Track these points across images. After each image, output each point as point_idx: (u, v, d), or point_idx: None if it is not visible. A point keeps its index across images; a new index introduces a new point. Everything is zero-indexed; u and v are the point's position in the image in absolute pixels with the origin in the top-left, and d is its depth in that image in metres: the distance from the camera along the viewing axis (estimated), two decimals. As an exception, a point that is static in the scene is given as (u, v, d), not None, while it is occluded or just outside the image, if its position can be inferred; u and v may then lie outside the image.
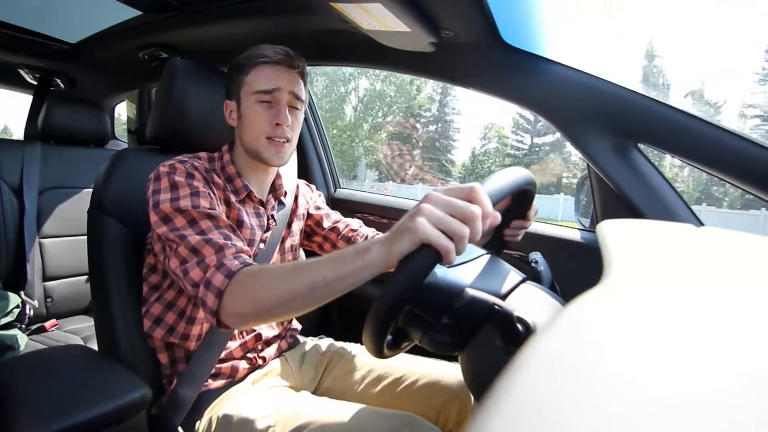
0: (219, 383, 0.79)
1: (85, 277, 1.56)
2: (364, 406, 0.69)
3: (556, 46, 0.86)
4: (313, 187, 1.06)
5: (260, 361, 0.85)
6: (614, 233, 0.42)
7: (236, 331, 0.82)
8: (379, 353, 0.53)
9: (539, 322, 0.47)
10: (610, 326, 0.21)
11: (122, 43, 1.31)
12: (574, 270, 0.74)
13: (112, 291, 0.80)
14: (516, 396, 0.16)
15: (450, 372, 0.82)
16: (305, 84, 0.83)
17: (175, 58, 0.97)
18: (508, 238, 0.71)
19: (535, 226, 0.98)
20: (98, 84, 1.70)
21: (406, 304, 0.53)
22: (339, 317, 1.34)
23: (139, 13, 1.10)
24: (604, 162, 0.81)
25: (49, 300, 1.48)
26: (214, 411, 0.75)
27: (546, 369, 0.18)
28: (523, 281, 0.58)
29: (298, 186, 0.98)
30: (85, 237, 0.86)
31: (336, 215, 1.01)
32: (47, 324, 1.42)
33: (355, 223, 0.98)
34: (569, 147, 24.82)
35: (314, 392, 0.86)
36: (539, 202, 0.68)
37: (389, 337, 0.55)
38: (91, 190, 0.88)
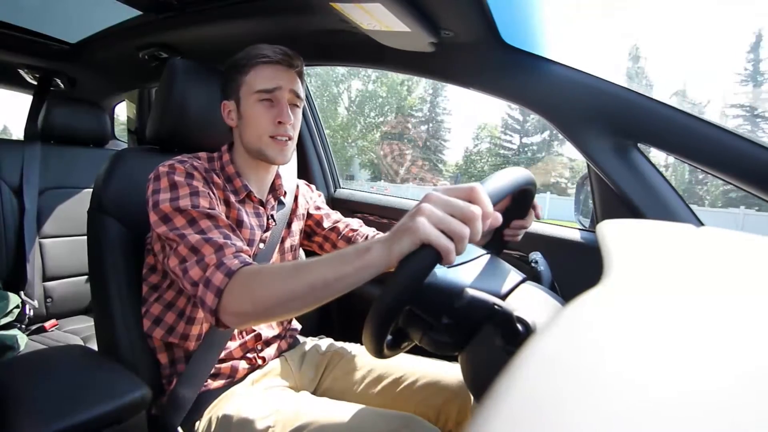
0: (219, 383, 0.79)
1: (85, 277, 1.56)
2: (364, 407, 0.69)
3: (554, 46, 0.86)
4: (313, 187, 1.06)
5: (260, 361, 0.85)
6: (614, 233, 0.42)
7: (236, 331, 0.82)
8: (379, 353, 0.53)
9: (539, 322, 0.47)
10: (610, 326, 0.21)
11: (122, 43, 1.31)
12: (574, 270, 0.74)
13: (112, 291, 0.80)
14: (516, 396, 0.16)
15: (450, 372, 0.82)
16: (302, 82, 0.83)
17: (175, 58, 0.97)
18: (508, 238, 0.71)
19: (535, 226, 0.98)
20: (98, 84, 1.70)
21: (406, 304, 0.53)
22: (339, 317, 1.34)
23: (139, 13, 1.10)
24: (604, 162, 0.81)
25: (49, 300, 1.48)
26: (214, 411, 0.75)
27: (546, 369, 0.18)
28: (523, 281, 0.58)
29: (298, 186, 0.98)
30: (85, 237, 0.86)
31: (336, 215, 1.01)
32: (47, 324, 1.42)
33: (355, 223, 0.98)
34: (555, 147, 24.87)
35: (314, 392, 0.86)
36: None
37: (389, 337, 0.55)
38: (91, 190, 0.88)
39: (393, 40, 0.90)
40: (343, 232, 0.95)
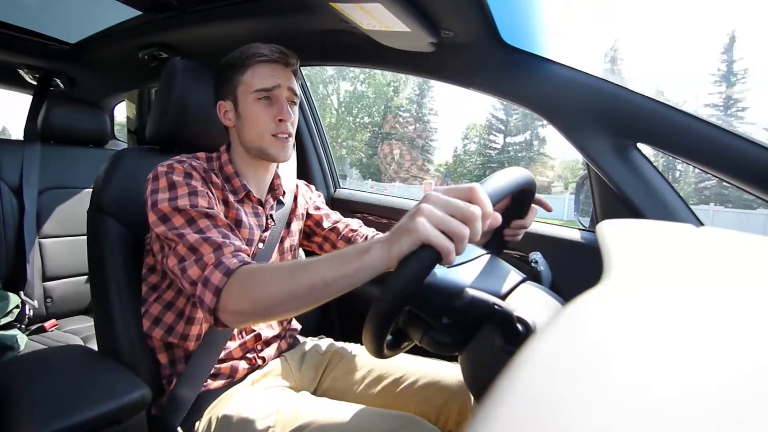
0: (218, 383, 0.79)
1: (85, 277, 1.56)
2: (364, 407, 0.69)
3: (553, 45, 0.86)
4: (312, 187, 1.06)
5: (260, 362, 0.84)
6: (614, 233, 0.42)
7: (235, 331, 0.82)
8: (379, 353, 0.53)
9: (539, 322, 0.47)
10: (610, 326, 0.21)
11: (122, 43, 1.31)
12: (574, 270, 0.74)
13: (112, 291, 0.80)
14: (516, 396, 0.16)
15: (450, 372, 0.82)
16: (297, 80, 0.83)
17: (174, 58, 0.97)
18: (509, 238, 0.71)
19: (535, 226, 0.98)
20: (98, 84, 1.70)
21: (406, 305, 0.53)
22: (339, 317, 1.34)
23: (139, 13, 1.10)
24: (604, 162, 0.81)
25: (48, 300, 1.48)
26: (214, 411, 0.74)
27: (546, 369, 0.18)
28: (523, 281, 0.58)
29: (297, 186, 0.98)
30: (85, 237, 0.86)
31: (336, 215, 1.01)
32: (47, 324, 1.42)
33: (354, 223, 0.98)
34: (537, 145, 25.20)
35: (314, 392, 0.86)
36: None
37: (389, 337, 0.55)
38: (91, 190, 0.88)
39: (393, 40, 0.90)
40: (343, 233, 0.95)
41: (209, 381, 0.78)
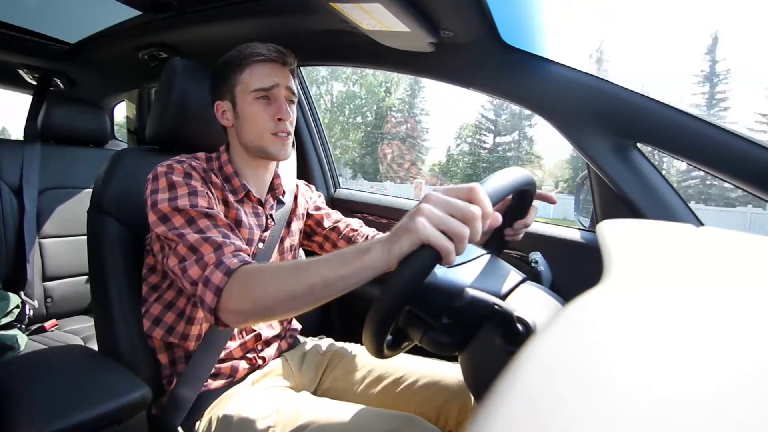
0: (219, 383, 0.79)
1: (85, 277, 1.56)
2: (364, 407, 0.69)
3: (552, 45, 0.86)
4: (312, 187, 1.06)
5: (260, 361, 0.84)
6: (614, 233, 0.42)
7: (236, 331, 0.82)
8: (379, 353, 0.53)
9: (539, 322, 0.47)
10: (611, 326, 0.21)
11: (122, 43, 1.31)
12: (574, 270, 0.74)
13: (112, 291, 0.80)
14: (516, 396, 0.16)
15: (450, 372, 0.82)
16: (295, 79, 0.83)
17: (174, 58, 0.97)
18: (509, 238, 0.71)
19: (535, 226, 0.98)
20: (98, 84, 1.70)
21: (405, 305, 0.53)
22: (339, 317, 1.34)
23: (139, 13, 1.10)
24: (604, 162, 0.81)
25: (49, 300, 1.48)
26: (214, 411, 0.75)
27: (546, 369, 0.18)
28: (523, 281, 0.58)
29: (297, 186, 0.98)
30: (85, 237, 0.86)
31: (336, 215, 1.01)
32: (47, 324, 1.42)
33: (355, 222, 0.98)
34: (526, 145, 25.72)
35: (314, 392, 0.86)
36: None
37: (389, 337, 0.55)
38: (91, 190, 0.88)
39: (392, 40, 0.90)
40: (344, 232, 0.95)
41: (209, 381, 0.78)
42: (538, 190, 0.74)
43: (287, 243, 0.92)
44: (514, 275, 0.59)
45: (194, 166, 0.75)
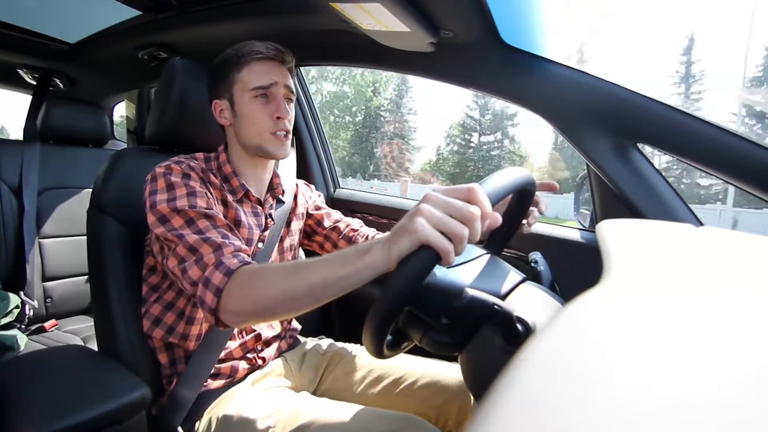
0: (219, 383, 0.79)
1: (85, 277, 1.56)
2: (364, 407, 0.69)
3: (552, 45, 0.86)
4: (312, 187, 1.06)
5: (260, 362, 0.84)
6: (614, 233, 0.42)
7: (236, 331, 0.82)
8: (379, 353, 0.53)
9: (539, 322, 0.47)
10: (610, 326, 0.21)
11: (122, 43, 1.31)
12: (574, 270, 0.74)
13: (112, 291, 0.80)
14: (516, 396, 0.16)
15: (450, 372, 0.82)
16: (293, 78, 0.83)
17: (174, 58, 0.97)
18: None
19: (535, 226, 0.98)
20: (98, 84, 1.70)
21: (405, 305, 0.53)
22: (339, 317, 1.34)
23: (139, 13, 1.10)
24: (604, 162, 0.81)
25: (48, 300, 1.48)
26: (214, 411, 0.74)
27: (546, 369, 0.18)
28: (523, 281, 0.58)
29: (297, 185, 0.98)
30: (85, 237, 0.86)
31: (337, 214, 1.01)
32: (47, 324, 1.42)
33: (355, 222, 0.98)
34: (506, 143, 26.25)
35: (314, 393, 0.86)
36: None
37: (389, 337, 0.55)
38: (91, 190, 0.88)
39: (392, 40, 0.90)
40: (344, 232, 0.95)
41: (209, 381, 0.78)
42: (537, 181, 0.74)
43: (287, 242, 0.92)
44: (514, 275, 0.59)
45: (192, 166, 0.75)
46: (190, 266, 0.62)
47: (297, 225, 0.96)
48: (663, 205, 0.78)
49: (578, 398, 0.15)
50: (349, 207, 1.38)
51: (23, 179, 1.43)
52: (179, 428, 0.74)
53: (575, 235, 0.96)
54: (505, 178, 0.53)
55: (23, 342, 1.23)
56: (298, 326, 1.00)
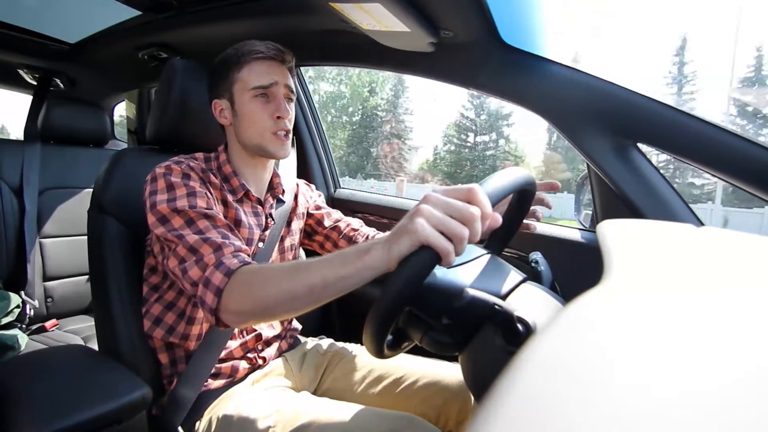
0: (219, 383, 0.79)
1: (86, 277, 1.56)
2: (365, 407, 0.69)
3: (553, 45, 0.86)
4: (312, 186, 1.06)
5: (260, 361, 0.85)
6: (614, 233, 0.42)
7: (236, 331, 0.82)
8: (380, 353, 0.53)
9: (539, 322, 0.47)
10: (611, 326, 0.21)
11: (122, 43, 1.31)
12: (574, 270, 0.74)
13: (113, 291, 0.80)
14: (516, 396, 0.16)
15: (450, 372, 0.82)
16: (293, 78, 0.83)
17: (174, 58, 0.97)
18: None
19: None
20: (98, 84, 1.70)
21: (405, 305, 0.53)
22: (339, 317, 1.34)
23: (139, 13, 1.10)
24: (604, 162, 0.81)
25: (49, 300, 1.48)
26: (215, 411, 0.75)
27: (546, 369, 0.18)
28: (523, 281, 0.58)
29: (297, 185, 0.98)
30: (86, 237, 0.86)
31: (337, 214, 1.01)
32: (47, 324, 1.43)
33: (356, 222, 0.98)
34: (501, 143, 26.61)
35: (314, 392, 0.86)
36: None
37: (389, 337, 0.55)
38: (91, 190, 0.88)
39: (393, 40, 0.90)
40: (345, 232, 0.95)
41: (210, 381, 0.78)
42: (538, 181, 0.74)
43: (287, 242, 0.92)
44: (514, 275, 0.59)
45: (192, 166, 0.75)
46: (191, 266, 0.62)
47: (297, 225, 0.96)
48: (663, 205, 0.78)
49: (579, 398, 0.15)
50: (349, 207, 1.38)
51: (24, 179, 1.43)
52: (179, 428, 0.75)
53: (576, 235, 0.96)
54: (505, 178, 0.53)
55: (24, 342, 1.24)
56: (299, 326, 1.00)
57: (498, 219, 0.47)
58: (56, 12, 1.22)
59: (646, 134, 0.78)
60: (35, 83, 1.64)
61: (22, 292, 1.37)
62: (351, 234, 0.95)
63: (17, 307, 1.32)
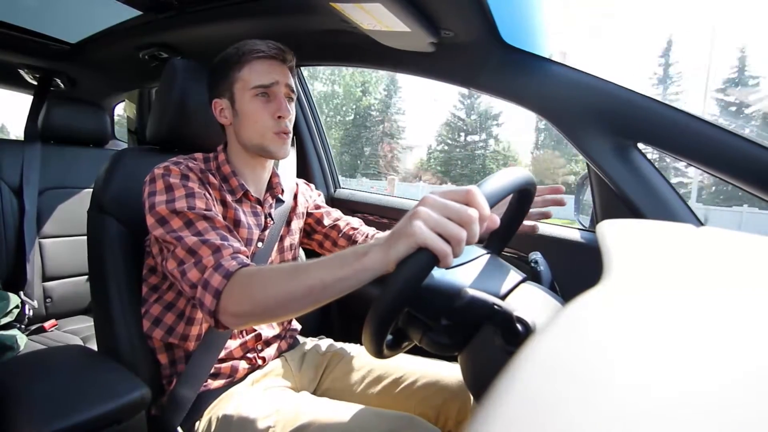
0: (219, 383, 0.79)
1: (85, 277, 1.56)
2: (364, 407, 0.69)
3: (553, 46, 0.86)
4: (312, 186, 1.06)
5: (260, 362, 0.84)
6: (614, 233, 0.42)
7: (236, 331, 0.82)
8: (379, 354, 0.53)
9: (539, 322, 0.47)
10: (610, 326, 0.21)
11: (122, 43, 1.31)
12: (574, 270, 0.74)
13: (112, 291, 0.80)
14: (515, 396, 0.16)
15: (450, 372, 0.82)
16: (294, 77, 0.83)
17: (175, 58, 0.97)
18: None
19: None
20: (98, 84, 1.71)
21: (404, 307, 0.53)
22: (339, 318, 1.34)
23: (139, 13, 1.10)
24: (604, 162, 0.81)
25: (48, 300, 1.48)
26: (214, 411, 0.74)
27: (546, 369, 0.18)
28: (522, 281, 0.58)
29: (297, 184, 0.98)
30: (85, 237, 0.86)
31: (336, 213, 1.01)
32: (47, 324, 1.42)
33: (355, 221, 0.98)
34: (491, 143, 26.93)
35: (314, 393, 0.86)
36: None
37: (389, 337, 0.55)
38: (91, 190, 0.88)
39: (393, 40, 0.90)
40: (344, 230, 0.95)
41: (209, 381, 0.78)
42: (545, 196, 0.74)
43: (287, 242, 0.92)
44: (514, 275, 0.59)
45: (191, 167, 0.75)
46: (189, 268, 0.62)
47: (297, 224, 0.96)
48: (663, 205, 0.78)
49: (578, 398, 0.15)
50: (349, 207, 1.38)
51: (24, 179, 1.43)
52: (179, 428, 0.74)
53: (575, 235, 0.96)
54: (503, 179, 0.53)
55: (23, 342, 1.24)
56: (298, 326, 1.00)
57: (496, 220, 0.47)
58: (57, 12, 1.22)
59: (646, 134, 0.78)
60: (36, 83, 1.64)
61: (21, 293, 1.37)
62: (350, 233, 0.95)
63: (16, 307, 1.32)
